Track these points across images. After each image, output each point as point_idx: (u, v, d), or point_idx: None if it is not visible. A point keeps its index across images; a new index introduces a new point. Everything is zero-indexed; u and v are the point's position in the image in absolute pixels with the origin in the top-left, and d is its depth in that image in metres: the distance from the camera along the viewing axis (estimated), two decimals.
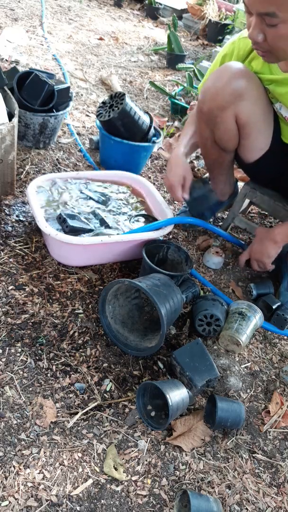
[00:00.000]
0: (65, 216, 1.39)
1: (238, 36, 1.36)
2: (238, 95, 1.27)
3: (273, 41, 1.05)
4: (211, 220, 1.84)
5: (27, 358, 1.15)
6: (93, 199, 1.58)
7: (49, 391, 1.10)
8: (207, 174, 2.08)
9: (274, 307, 1.44)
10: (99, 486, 0.96)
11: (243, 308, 1.33)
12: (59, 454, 0.99)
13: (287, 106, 1.31)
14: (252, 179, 1.66)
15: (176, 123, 2.51)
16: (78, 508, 0.92)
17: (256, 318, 1.33)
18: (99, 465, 1.00)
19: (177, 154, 1.51)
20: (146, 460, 1.03)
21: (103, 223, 1.47)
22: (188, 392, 1.10)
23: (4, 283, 1.32)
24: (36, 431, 1.01)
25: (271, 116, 1.37)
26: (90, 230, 1.42)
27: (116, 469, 0.99)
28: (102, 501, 0.94)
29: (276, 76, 1.26)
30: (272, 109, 1.37)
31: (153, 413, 1.10)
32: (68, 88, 1.93)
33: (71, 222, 1.38)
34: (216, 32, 4.05)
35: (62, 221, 1.40)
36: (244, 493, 1.03)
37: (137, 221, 1.55)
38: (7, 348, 1.16)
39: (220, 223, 1.88)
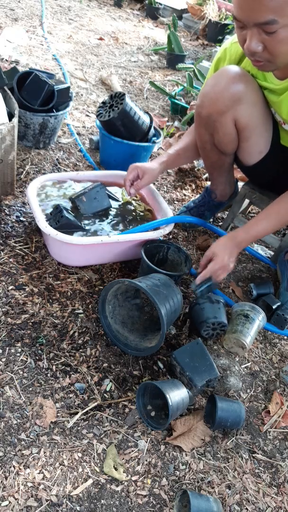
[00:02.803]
0: (62, 208, 1.39)
1: (230, 41, 1.35)
2: (237, 99, 1.26)
3: (273, 47, 1.03)
4: (211, 220, 1.84)
5: (27, 358, 1.15)
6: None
7: (49, 391, 1.10)
8: (207, 174, 2.09)
9: (274, 307, 1.44)
10: (99, 486, 0.96)
11: (248, 310, 1.33)
12: (59, 454, 0.99)
13: (278, 114, 1.31)
14: (251, 181, 1.66)
15: (176, 123, 2.51)
16: (78, 508, 0.92)
17: (259, 319, 1.33)
18: (99, 465, 1.00)
19: (156, 160, 1.52)
20: (146, 460, 1.03)
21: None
22: (188, 392, 1.10)
23: (4, 283, 1.32)
24: (36, 431, 1.02)
25: (270, 119, 1.37)
26: (81, 228, 1.42)
27: (116, 469, 0.99)
28: (102, 501, 0.94)
29: (269, 84, 1.26)
30: (271, 112, 1.37)
31: (153, 413, 1.10)
32: (68, 88, 1.93)
33: (66, 214, 1.38)
34: (216, 32, 4.05)
35: (57, 212, 1.39)
36: (244, 493, 1.03)
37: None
38: (7, 348, 1.16)
39: (220, 223, 1.88)
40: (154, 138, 1.92)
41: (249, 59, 1.13)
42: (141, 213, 1.60)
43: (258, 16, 0.97)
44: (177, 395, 1.05)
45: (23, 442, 0.99)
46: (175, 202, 1.94)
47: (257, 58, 1.08)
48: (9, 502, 0.89)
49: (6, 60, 2.55)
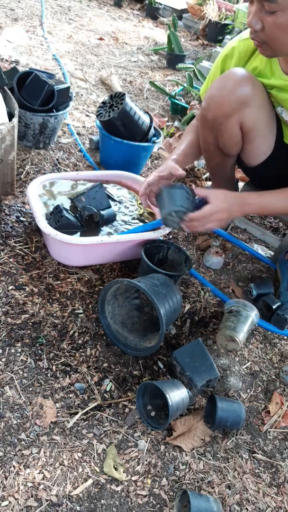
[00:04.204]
0: (62, 208, 1.39)
1: (238, 39, 1.35)
2: (244, 102, 1.26)
3: (270, 30, 1.04)
4: None
5: (27, 358, 1.15)
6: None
7: (49, 391, 1.10)
8: (207, 174, 2.09)
9: (274, 307, 1.44)
10: (99, 486, 0.96)
11: (233, 306, 1.34)
12: (59, 454, 0.99)
13: None
14: (253, 182, 1.65)
15: (176, 123, 2.51)
16: (78, 508, 0.92)
17: (249, 312, 1.32)
18: (99, 465, 1.00)
19: (167, 161, 1.46)
20: (146, 460, 1.03)
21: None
22: (188, 392, 1.10)
23: (4, 283, 1.32)
24: (36, 431, 1.02)
25: (274, 120, 1.36)
26: (80, 227, 1.43)
27: (116, 469, 0.99)
28: (102, 501, 0.94)
29: (278, 81, 1.25)
30: (275, 112, 1.36)
31: (153, 413, 1.10)
32: (68, 88, 1.93)
33: (66, 214, 1.38)
34: (216, 32, 4.05)
35: (57, 212, 1.39)
36: (244, 493, 1.03)
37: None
38: (7, 348, 1.16)
39: None
40: (154, 138, 1.91)
41: (251, 38, 1.13)
42: (142, 216, 1.60)
43: None
44: (177, 395, 1.05)
45: (23, 442, 0.99)
46: None
47: (255, 37, 1.09)
48: (9, 502, 0.89)
49: (6, 60, 2.55)
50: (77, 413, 1.07)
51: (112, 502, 0.94)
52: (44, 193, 1.52)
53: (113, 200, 1.61)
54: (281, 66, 1.24)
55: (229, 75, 1.27)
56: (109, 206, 1.53)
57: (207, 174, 2.09)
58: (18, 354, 1.15)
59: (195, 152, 1.56)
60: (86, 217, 1.42)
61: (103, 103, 1.84)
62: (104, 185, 1.64)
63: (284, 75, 1.23)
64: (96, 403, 1.10)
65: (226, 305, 1.39)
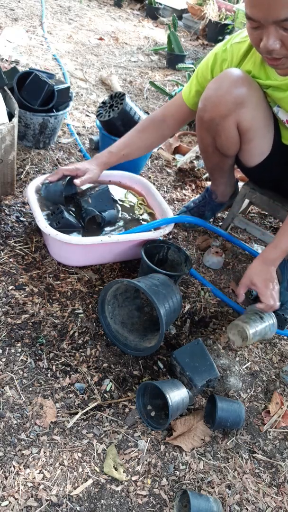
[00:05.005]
0: (63, 209, 1.39)
1: (230, 42, 1.33)
2: (240, 103, 1.26)
3: None
4: (211, 220, 1.84)
5: (27, 358, 1.15)
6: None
7: (49, 391, 1.10)
8: (207, 174, 2.09)
9: None
10: (99, 486, 0.96)
11: (263, 314, 1.28)
12: (59, 454, 0.99)
13: (285, 110, 1.30)
14: (252, 182, 1.65)
15: None
16: (78, 508, 0.92)
17: (268, 318, 1.29)
18: (99, 465, 1.00)
19: (94, 161, 1.50)
20: (146, 460, 1.03)
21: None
22: (188, 392, 1.10)
23: (4, 283, 1.32)
24: (36, 431, 1.02)
25: (272, 120, 1.36)
26: (81, 228, 1.43)
27: (116, 469, 0.99)
28: (102, 501, 0.94)
29: (273, 81, 1.25)
30: (272, 112, 1.36)
31: (153, 413, 1.10)
32: (68, 88, 1.93)
33: (67, 215, 1.38)
34: (216, 32, 4.05)
35: (58, 213, 1.39)
36: (244, 493, 1.03)
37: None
38: (7, 348, 1.16)
39: (220, 223, 1.88)
40: None
41: (265, 58, 1.11)
42: (141, 216, 1.60)
43: (277, 13, 0.96)
44: (177, 395, 1.05)
45: (23, 442, 0.99)
46: (175, 202, 1.94)
47: (274, 55, 1.07)
48: (9, 502, 0.89)
49: (6, 60, 2.55)
50: (77, 413, 1.07)
51: (112, 502, 0.94)
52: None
53: (115, 201, 1.60)
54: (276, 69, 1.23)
55: (225, 75, 1.27)
56: (112, 208, 1.53)
57: (207, 174, 2.09)
58: (18, 354, 1.15)
59: (134, 153, 1.54)
60: (88, 219, 1.42)
61: (103, 103, 1.84)
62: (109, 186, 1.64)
63: (279, 77, 1.23)
64: (96, 403, 1.10)
65: (253, 307, 1.34)
